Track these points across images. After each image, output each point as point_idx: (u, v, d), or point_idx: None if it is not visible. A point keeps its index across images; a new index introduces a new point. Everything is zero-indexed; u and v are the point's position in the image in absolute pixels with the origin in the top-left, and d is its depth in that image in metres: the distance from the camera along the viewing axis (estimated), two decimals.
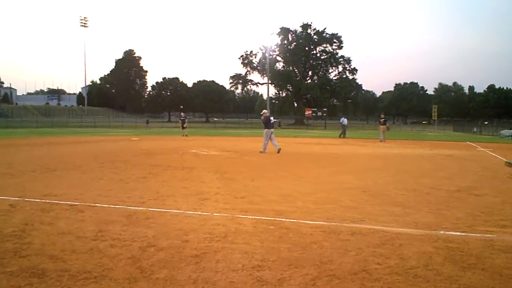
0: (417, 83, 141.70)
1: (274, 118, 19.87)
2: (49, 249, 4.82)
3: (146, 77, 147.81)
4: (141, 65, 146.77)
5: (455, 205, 7.62)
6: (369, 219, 6.46)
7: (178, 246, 4.98)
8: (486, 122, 63.40)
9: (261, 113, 19.80)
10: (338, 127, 74.08)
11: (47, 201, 7.49)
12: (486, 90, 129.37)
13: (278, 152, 18.14)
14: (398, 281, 3.99)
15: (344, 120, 37.87)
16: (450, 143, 29.96)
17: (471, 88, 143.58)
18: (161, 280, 3.95)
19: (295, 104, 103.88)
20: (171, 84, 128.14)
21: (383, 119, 32.26)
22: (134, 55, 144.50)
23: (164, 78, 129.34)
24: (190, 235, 5.41)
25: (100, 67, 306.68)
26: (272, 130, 19.11)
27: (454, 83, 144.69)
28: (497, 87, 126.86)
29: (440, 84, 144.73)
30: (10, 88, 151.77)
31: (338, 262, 4.49)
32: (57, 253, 4.68)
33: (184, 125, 35.67)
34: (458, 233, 5.71)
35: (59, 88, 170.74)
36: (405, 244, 5.16)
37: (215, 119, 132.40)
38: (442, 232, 5.76)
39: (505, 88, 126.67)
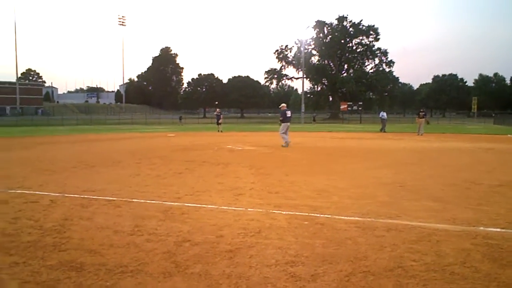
0: (456, 74, 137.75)
1: (291, 112, 20.11)
2: (88, 243, 4.95)
3: (182, 74, 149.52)
4: (177, 62, 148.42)
5: (495, 200, 7.41)
6: (405, 215, 6.35)
7: (213, 241, 5.03)
8: None
9: (280, 106, 20.01)
10: (374, 121, 73.11)
11: (86, 196, 7.69)
12: None
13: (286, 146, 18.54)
14: (435, 278, 3.91)
15: (384, 115, 37.49)
16: (490, 136, 29.08)
17: None
18: (195, 275, 4.00)
19: (330, 98, 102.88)
20: (206, 80, 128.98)
21: (423, 113, 32.37)
22: (171, 52, 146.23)
23: (199, 75, 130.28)
24: (224, 230, 5.45)
25: (137, 65, 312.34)
26: (288, 124, 19.24)
27: (495, 74, 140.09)
28: None
29: (480, 75, 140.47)
30: (52, 87, 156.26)
31: (373, 258, 4.44)
32: (95, 247, 4.80)
33: (219, 121, 35.90)
34: (498, 230, 5.55)
35: (98, 86, 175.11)
36: (443, 241, 5.05)
37: (251, 114, 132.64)
38: (481, 228, 5.62)
39: None
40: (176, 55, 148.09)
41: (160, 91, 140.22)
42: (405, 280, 3.87)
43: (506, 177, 10.05)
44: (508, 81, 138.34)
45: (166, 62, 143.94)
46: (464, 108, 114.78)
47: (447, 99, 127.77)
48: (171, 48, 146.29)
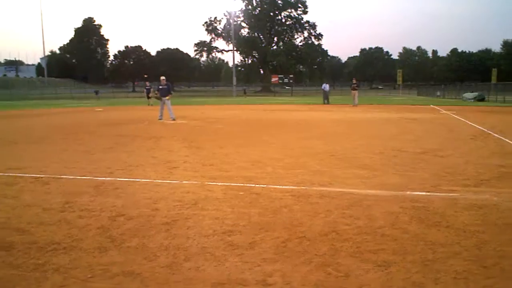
0: (382, 48, 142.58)
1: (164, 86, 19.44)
2: (15, 222, 4.71)
3: (107, 46, 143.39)
4: (102, 33, 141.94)
5: (420, 167, 7.80)
6: (337, 182, 6.55)
7: (148, 214, 4.94)
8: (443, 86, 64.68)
9: (161, 79, 19.75)
10: (305, 93, 74.44)
11: (11, 174, 7.29)
12: (449, 54, 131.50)
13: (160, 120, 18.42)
14: (367, 241, 4.08)
15: (326, 87, 37.60)
16: (415, 107, 30.52)
17: (434, 52, 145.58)
18: (132, 248, 3.93)
19: (262, 71, 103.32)
20: (134, 53, 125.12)
21: (355, 84, 32.50)
22: (94, 23, 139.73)
23: (126, 47, 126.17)
24: (160, 204, 5.38)
25: (59, 37, 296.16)
26: (165, 98, 18.89)
27: (418, 47, 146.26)
28: (460, 50, 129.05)
29: (404, 48, 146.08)
30: None
31: (308, 224, 4.55)
32: (24, 225, 4.58)
33: (150, 95, 35.15)
34: (424, 193, 5.86)
35: (17, 59, 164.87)
36: (373, 205, 5.27)
37: (182, 87, 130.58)
38: (408, 192, 5.91)
39: (467, 51, 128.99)
40: (101, 26, 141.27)
41: (85, 64, 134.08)
42: (339, 244, 4.01)
43: (430, 145, 10.59)
44: (430, 54, 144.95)
45: (89, 34, 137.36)
46: (390, 80, 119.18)
47: (374, 71, 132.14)
48: (94, 19, 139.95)
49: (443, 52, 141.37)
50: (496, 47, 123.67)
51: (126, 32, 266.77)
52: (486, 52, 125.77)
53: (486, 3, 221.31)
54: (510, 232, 4.35)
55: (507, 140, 11.32)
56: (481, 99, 41.07)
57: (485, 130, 13.82)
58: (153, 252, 3.84)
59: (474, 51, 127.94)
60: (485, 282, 3.25)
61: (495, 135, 12.47)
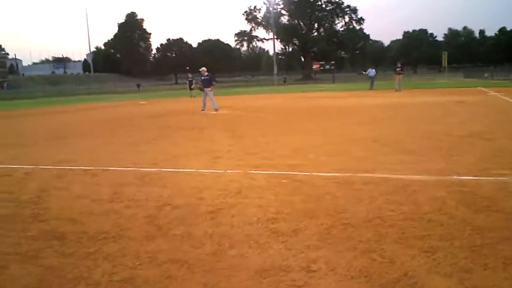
0: (426, 30, 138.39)
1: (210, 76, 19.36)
2: (67, 212, 4.90)
3: (150, 40, 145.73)
4: (144, 27, 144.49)
5: (467, 150, 7.59)
6: (381, 168, 6.46)
7: (193, 203, 5.04)
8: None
9: (200, 70, 19.59)
10: (346, 80, 73.43)
11: (61, 167, 7.57)
12: (497, 33, 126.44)
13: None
14: (412, 226, 4.02)
15: (371, 71, 36.58)
16: (461, 90, 29.54)
17: (481, 32, 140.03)
18: (178, 236, 4.02)
19: (303, 59, 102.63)
20: (175, 46, 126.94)
21: (399, 68, 30.93)
22: (137, 18, 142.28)
23: (168, 40, 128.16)
24: (204, 193, 5.46)
25: (103, 32, 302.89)
26: (207, 89, 18.83)
27: (464, 28, 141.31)
28: (508, 29, 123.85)
29: (449, 29, 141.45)
30: (16, 59, 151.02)
31: (352, 211, 4.52)
32: (75, 216, 4.76)
33: (192, 86, 35.52)
34: (471, 178, 5.70)
35: (64, 56, 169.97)
36: (418, 191, 5.17)
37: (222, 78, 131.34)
38: (455, 177, 5.76)
39: None
40: (143, 20, 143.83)
41: (129, 59, 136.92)
42: (384, 230, 3.96)
43: (476, 127, 10.27)
44: (477, 34, 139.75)
45: (132, 28, 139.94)
46: (435, 63, 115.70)
47: (418, 54, 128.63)
48: (136, 13, 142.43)
49: (491, 31, 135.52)
50: None
51: (168, 25, 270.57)
52: None
53: None
54: None
55: None
56: None
57: None
58: (198, 240, 3.92)
59: None
60: None
61: None
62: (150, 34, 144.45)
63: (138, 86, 69.12)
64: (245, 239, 3.90)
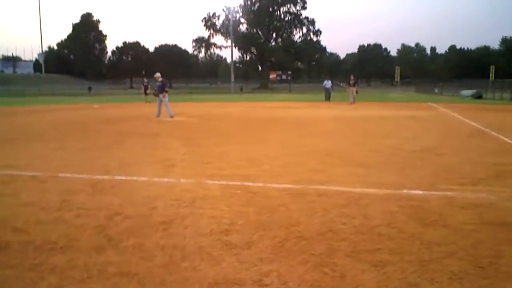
0: (380, 44, 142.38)
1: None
2: (12, 221, 4.70)
3: (105, 42, 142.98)
4: (100, 29, 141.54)
5: (418, 165, 7.82)
6: (334, 181, 6.56)
7: (145, 213, 4.95)
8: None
9: (154, 76, 19.40)
10: (303, 90, 74.40)
11: (8, 172, 7.27)
12: (447, 51, 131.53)
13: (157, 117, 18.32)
14: (363, 240, 4.09)
15: (328, 83, 36.74)
16: (412, 104, 30.51)
17: (433, 49, 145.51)
18: (129, 248, 3.93)
19: (260, 68, 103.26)
20: (132, 49, 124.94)
21: (353, 81, 31.29)
22: (92, 19, 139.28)
23: (124, 43, 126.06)
24: (157, 202, 5.38)
25: (57, 32, 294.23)
26: (161, 95, 18.65)
27: (417, 44, 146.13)
28: (458, 47, 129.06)
29: (402, 45, 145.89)
30: None
31: (305, 224, 4.56)
32: (21, 224, 4.57)
33: (147, 91, 35.04)
34: (421, 192, 5.87)
35: (14, 55, 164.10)
36: (370, 204, 5.28)
37: (180, 84, 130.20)
38: (405, 191, 5.92)
39: (466, 48, 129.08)
40: (99, 21, 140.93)
41: (83, 60, 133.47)
42: (336, 243, 4.02)
43: (427, 143, 10.60)
44: (428, 51, 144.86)
45: (87, 29, 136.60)
46: (388, 77, 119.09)
47: (372, 68, 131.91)
48: (92, 14, 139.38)
49: (441, 49, 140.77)
50: (495, 44, 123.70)
51: (125, 28, 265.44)
52: (485, 49, 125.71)
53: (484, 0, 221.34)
54: (506, 231, 4.36)
55: (504, 138, 11.34)
56: (478, 96, 41.12)
57: (482, 128, 13.83)
58: (150, 251, 3.84)
59: (473, 48, 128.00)
60: (480, 282, 3.26)
61: (492, 133, 12.49)
62: (105, 36, 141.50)
63: (90, 89, 67.60)
64: (198, 251, 3.86)
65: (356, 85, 31.56)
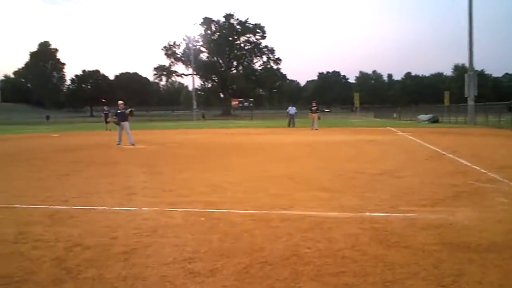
0: (339, 72, 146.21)
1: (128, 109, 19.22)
2: None
3: (64, 70, 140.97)
4: (58, 57, 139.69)
5: (378, 188, 7.94)
6: (297, 205, 6.58)
7: (106, 243, 4.81)
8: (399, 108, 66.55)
9: (119, 104, 19.34)
10: (264, 117, 75.00)
11: None
12: (403, 77, 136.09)
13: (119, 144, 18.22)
14: (327, 263, 4.09)
15: (291, 109, 36.68)
16: (372, 129, 31.20)
17: (389, 75, 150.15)
18: (89, 280, 3.80)
19: (222, 95, 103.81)
20: (91, 77, 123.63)
21: (315, 107, 31.55)
22: (50, 47, 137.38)
23: (84, 71, 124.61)
24: (118, 232, 5.24)
25: (13, 61, 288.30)
26: (123, 123, 18.58)
27: (374, 71, 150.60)
28: (413, 74, 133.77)
29: (360, 72, 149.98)
30: None
31: (269, 249, 4.53)
32: None
33: (108, 119, 34.58)
34: (382, 214, 5.95)
35: None
36: (333, 227, 5.30)
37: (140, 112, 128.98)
38: (367, 213, 5.99)
39: (420, 75, 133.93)
40: (57, 50, 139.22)
41: (40, 89, 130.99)
42: (301, 267, 4.00)
43: (387, 166, 10.81)
44: (385, 78, 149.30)
45: (45, 58, 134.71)
46: (347, 103, 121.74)
47: (332, 94, 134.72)
48: (50, 43, 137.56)
49: (397, 76, 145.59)
50: (448, 71, 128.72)
51: (84, 56, 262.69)
52: (438, 76, 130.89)
53: (436, 28, 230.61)
54: (465, 250, 4.45)
55: (460, 160, 11.69)
56: (435, 120, 42.48)
57: (439, 150, 14.24)
58: (110, 283, 3.72)
59: (427, 75, 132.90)
60: None
61: (449, 155, 12.87)
62: (64, 64, 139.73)
63: (47, 118, 66.23)
64: (161, 280, 3.77)
65: (318, 110, 31.82)
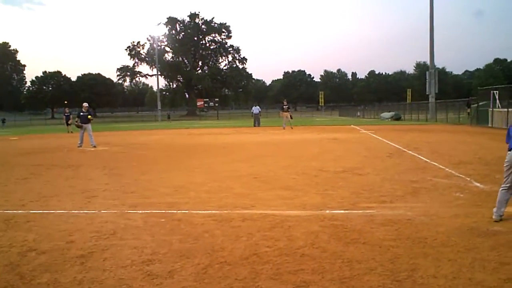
0: (304, 71, 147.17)
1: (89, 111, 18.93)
2: None
3: (24, 72, 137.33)
4: (18, 59, 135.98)
5: (340, 185, 8.04)
6: (260, 204, 6.59)
7: (62, 247, 4.70)
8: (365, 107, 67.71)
9: (83, 106, 19.06)
10: (230, 117, 74.96)
11: None
12: (367, 75, 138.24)
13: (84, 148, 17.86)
14: (287, 262, 4.11)
15: (256, 109, 36.76)
16: (336, 127, 31.55)
17: (354, 74, 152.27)
18: (43, 285, 3.71)
19: (187, 95, 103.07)
20: (53, 79, 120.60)
21: (286, 106, 31.12)
22: (10, 48, 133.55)
23: (44, 72, 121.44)
24: (75, 235, 5.13)
25: None
26: (85, 125, 18.32)
27: (338, 70, 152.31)
28: (377, 72, 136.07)
29: (325, 71, 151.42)
30: None
31: (229, 249, 4.52)
32: None
33: (69, 122, 33.83)
34: (343, 211, 6.03)
35: None
36: (294, 226, 5.33)
37: (104, 113, 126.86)
38: (328, 211, 6.05)
39: (384, 73, 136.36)
40: (16, 51, 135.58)
41: (0, 91, 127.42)
42: (260, 266, 4.00)
43: (349, 164, 10.95)
44: (349, 76, 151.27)
45: (4, 59, 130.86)
46: (313, 102, 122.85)
47: (298, 93, 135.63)
48: (9, 44, 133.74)
49: (361, 74, 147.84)
50: (410, 69, 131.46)
51: (45, 58, 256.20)
52: (401, 74, 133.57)
53: (399, 27, 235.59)
54: (421, 245, 4.55)
55: (420, 156, 11.95)
56: (397, 118, 43.35)
57: (400, 147, 14.52)
58: None
59: (390, 73, 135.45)
60: None
61: (410, 152, 13.14)
62: (24, 66, 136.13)
63: (3, 121, 64.35)
64: (118, 283, 3.71)
65: (289, 110, 31.61)
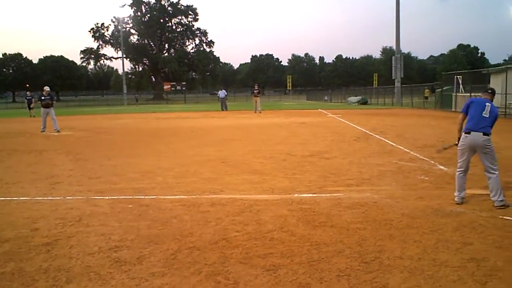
0: (272, 54, 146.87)
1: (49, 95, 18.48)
2: None
3: None
4: None
5: (308, 169, 8.11)
6: (228, 189, 6.59)
7: (26, 235, 4.59)
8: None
9: (44, 90, 18.60)
10: (198, 100, 74.41)
11: None
12: (334, 60, 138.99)
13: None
14: (256, 246, 4.14)
15: (221, 93, 36.42)
16: (304, 111, 31.75)
17: (321, 58, 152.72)
18: (7, 274, 3.62)
19: (153, 79, 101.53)
20: (13, 61, 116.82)
21: (257, 90, 31.07)
22: None
23: (4, 54, 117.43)
24: (39, 223, 5.02)
25: None
26: (48, 109, 17.91)
27: (306, 54, 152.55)
28: (344, 57, 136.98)
29: (293, 55, 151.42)
30: None
31: (198, 234, 4.51)
32: None
33: (31, 105, 32.92)
34: (310, 195, 6.09)
35: None
36: (263, 210, 5.36)
37: (67, 97, 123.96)
38: (296, 195, 6.10)
39: (351, 58, 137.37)
40: None
41: None
42: (229, 251, 4.01)
43: (317, 147, 11.05)
44: (317, 61, 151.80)
45: None
46: (281, 86, 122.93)
47: (265, 78, 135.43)
48: None
49: (329, 58, 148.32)
50: (377, 54, 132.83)
51: (4, 39, 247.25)
52: (368, 58, 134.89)
53: (366, 11, 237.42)
54: (387, 227, 4.65)
55: (386, 140, 12.17)
56: (364, 102, 43.92)
57: (367, 131, 14.74)
58: (31, 276, 3.57)
59: (357, 58, 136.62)
60: (366, 277, 3.43)
61: (376, 136, 13.35)
62: None
63: None
64: (85, 271, 3.65)
65: (259, 94, 31.40)
